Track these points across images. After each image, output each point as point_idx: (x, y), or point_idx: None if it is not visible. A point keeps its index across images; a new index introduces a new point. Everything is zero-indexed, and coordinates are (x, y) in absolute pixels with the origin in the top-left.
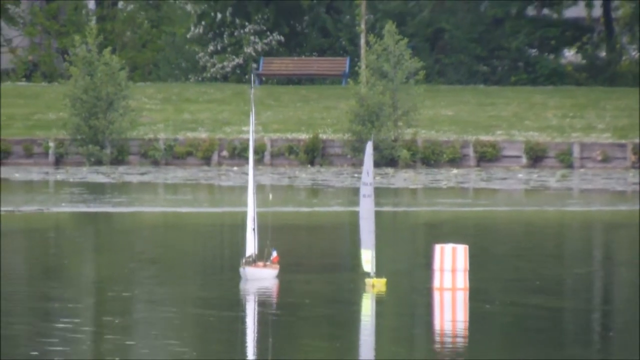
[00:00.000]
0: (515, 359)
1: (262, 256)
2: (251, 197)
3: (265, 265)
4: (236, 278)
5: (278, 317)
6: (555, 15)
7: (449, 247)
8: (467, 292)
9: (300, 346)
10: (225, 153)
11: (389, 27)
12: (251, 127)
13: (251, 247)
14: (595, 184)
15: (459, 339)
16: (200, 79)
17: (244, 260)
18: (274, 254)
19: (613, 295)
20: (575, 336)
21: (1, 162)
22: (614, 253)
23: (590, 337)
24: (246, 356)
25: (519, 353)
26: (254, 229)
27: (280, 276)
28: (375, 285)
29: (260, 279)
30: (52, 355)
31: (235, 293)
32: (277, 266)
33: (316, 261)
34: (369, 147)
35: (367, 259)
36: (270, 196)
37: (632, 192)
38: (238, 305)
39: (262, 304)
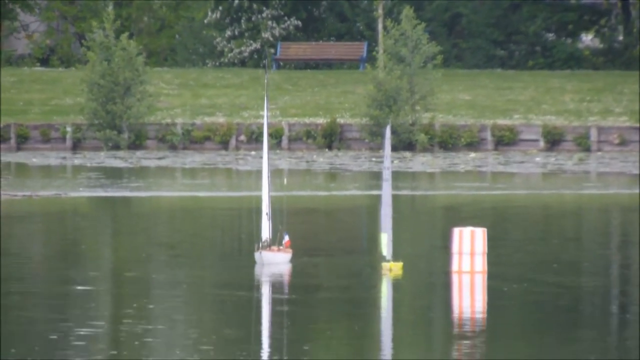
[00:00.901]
0: (533, 340)
1: (275, 240)
2: (266, 182)
3: (279, 250)
4: (253, 262)
5: (295, 300)
6: (572, 0)
7: (467, 230)
8: (486, 275)
9: (317, 328)
10: (242, 137)
11: (407, 11)
12: (265, 112)
13: (266, 231)
14: (612, 167)
15: (477, 321)
16: (217, 64)
17: (259, 245)
18: (286, 238)
19: (630, 277)
20: (592, 318)
21: (19, 147)
22: (631, 235)
23: (608, 318)
24: (262, 337)
25: (537, 334)
26: (267, 214)
27: (297, 259)
28: (392, 269)
29: (274, 263)
30: (71, 338)
31: (252, 276)
32: (290, 250)
33: (334, 245)
34: (388, 132)
35: (386, 243)
36: (285, 180)
37: None
38: (255, 288)
39: (279, 287)
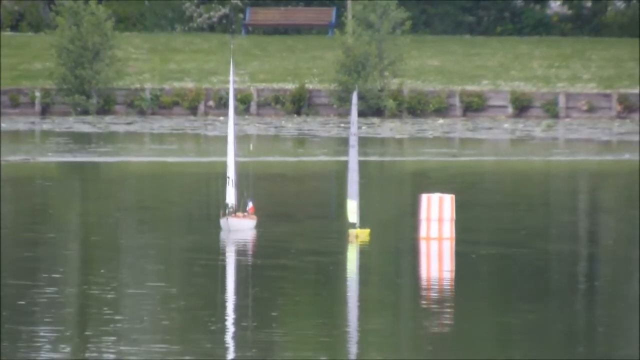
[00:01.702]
0: (501, 306)
1: (239, 207)
2: (231, 148)
3: (244, 216)
4: (219, 228)
5: (262, 266)
6: None
7: (435, 196)
8: (454, 242)
9: (284, 294)
10: (211, 103)
11: None
12: (231, 78)
13: (231, 197)
14: (581, 133)
15: (445, 288)
16: (186, 29)
17: (226, 211)
18: (250, 204)
19: (599, 243)
20: (560, 284)
21: None
22: (599, 202)
23: (576, 285)
24: (229, 303)
25: (505, 301)
26: (230, 178)
27: (265, 225)
28: (359, 236)
29: (239, 229)
30: (39, 303)
31: (218, 242)
32: (255, 217)
33: (301, 211)
34: (354, 98)
35: (352, 210)
36: (251, 146)
37: (618, 141)
38: (221, 254)
39: (245, 252)
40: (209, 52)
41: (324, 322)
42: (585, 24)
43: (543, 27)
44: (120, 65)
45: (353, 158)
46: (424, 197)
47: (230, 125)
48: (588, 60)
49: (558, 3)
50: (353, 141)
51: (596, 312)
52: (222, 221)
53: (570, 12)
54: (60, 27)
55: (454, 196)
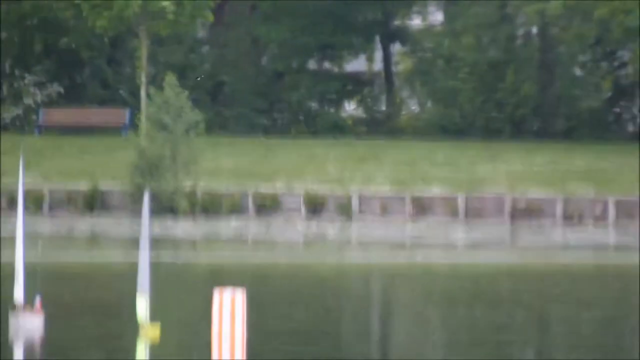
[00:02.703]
0: None
1: (27, 304)
2: (20, 247)
3: (30, 314)
4: (6, 325)
5: None
6: (336, 69)
7: (227, 295)
8: (244, 341)
9: None
10: (3, 203)
11: (169, 79)
12: (21, 178)
13: (18, 295)
14: (374, 235)
15: None
16: None
17: (10, 308)
18: (37, 300)
19: (377, 344)
20: None
21: None
22: (391, 303)
23: None
24: None
25: None
26: (19, 277)
27: (53, 324)
28: (147, 335)
29: (26, 327)
30: None
31: (3, 340)
32: (42, 314)
33: (92, 311)
34: (146, 199)
35: (141, 307)
36: (40, 245)
37: (410, 244)
38: (7, 352)
39: (32, 350)
40: (2, 152)
41: None
42: (379, 126)
43: (338, 129)
44: None
45: (142, 257)
46: (216, 296)
47: (19, 226)
48: (381, 162)
49: (353, 106)
50: (143, 242)
51: None
52: (9, 319)
53: (364, 115)
54: None
55: (243, 294)
